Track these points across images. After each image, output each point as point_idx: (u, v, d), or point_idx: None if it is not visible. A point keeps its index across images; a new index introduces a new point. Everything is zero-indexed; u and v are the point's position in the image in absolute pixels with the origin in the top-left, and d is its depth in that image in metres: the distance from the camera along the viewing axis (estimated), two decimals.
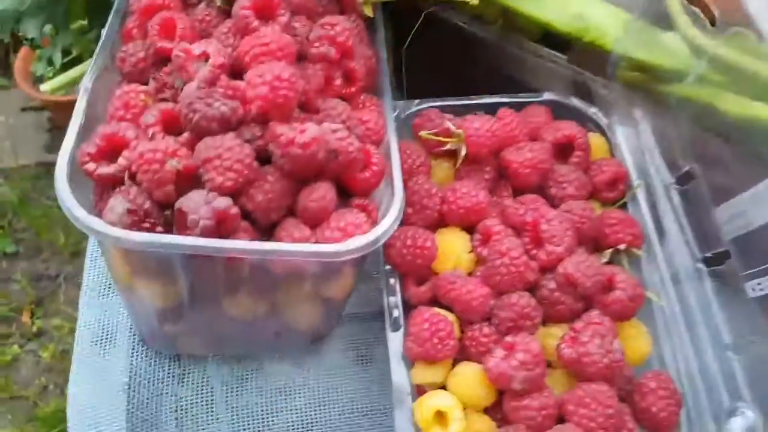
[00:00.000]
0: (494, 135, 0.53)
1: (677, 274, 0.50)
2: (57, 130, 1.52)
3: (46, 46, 1.04)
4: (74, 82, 1.04)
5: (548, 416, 0.44)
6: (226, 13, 0.49)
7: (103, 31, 0.50)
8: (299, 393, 0.56)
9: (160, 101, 0.45)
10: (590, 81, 0.60)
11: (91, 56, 0.50)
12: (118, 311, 0.57)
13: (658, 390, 0.46)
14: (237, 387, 0.56)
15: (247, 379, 0.56)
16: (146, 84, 0.47)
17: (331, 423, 0.55)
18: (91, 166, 0.42)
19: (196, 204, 0.40)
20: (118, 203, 0.41)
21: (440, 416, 0.45)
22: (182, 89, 0.43)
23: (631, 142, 0.56)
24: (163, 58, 0.47)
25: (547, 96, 0.61)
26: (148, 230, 0.40)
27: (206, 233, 0.39)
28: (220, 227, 0.40)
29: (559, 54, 0.62)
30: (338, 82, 0.50)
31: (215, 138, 0.41)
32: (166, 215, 0.43)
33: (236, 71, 0.45)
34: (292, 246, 0.41)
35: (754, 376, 0.45)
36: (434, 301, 0.50)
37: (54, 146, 1.50)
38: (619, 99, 0.57)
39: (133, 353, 0.55)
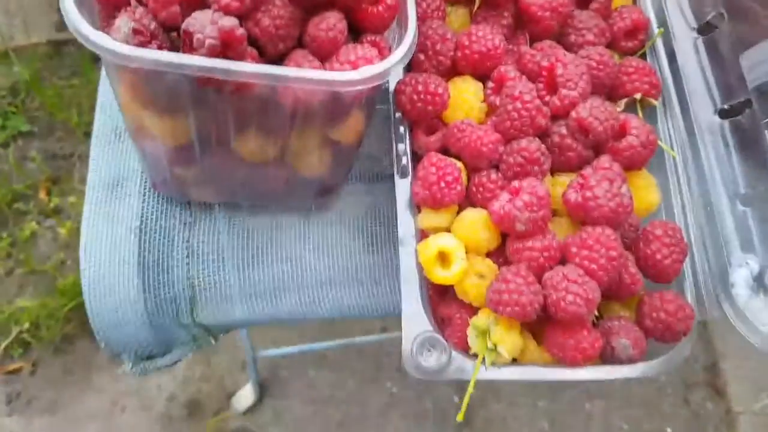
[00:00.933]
0: None
1: (694, 127, 0.49)
2: None
3: None
4: None
5: (550, 258, 0.44)
6: None
7: None
8: (303, 244, 0.57)
9: None
10: None
11: None
12: (128, 158, 0.57)
13: (664, 237, 0.45)
14: (245, 237, 0.57)
15: (255, 229, 0.57)
16: None
17: (331, 278, 0.56)
18: None
19: (202, 23, 0.39)
20: (123, 23, 0.40)
21: (443, 258, 0.46)
22: None
23: None
24: None
25: None
26: None
27: (212, 53, 0.38)
28: (227, 50, 0.39)
29: None
30: None
31: None
32: (172, 39, 0.42)
33: None
34: (302, 72, 0.40)
35: (766, 227, 0.45)
36: (444, 152, 0.50)
37: (64, 25, 1.47)
38: None
39: (144, 199, 0.56)
